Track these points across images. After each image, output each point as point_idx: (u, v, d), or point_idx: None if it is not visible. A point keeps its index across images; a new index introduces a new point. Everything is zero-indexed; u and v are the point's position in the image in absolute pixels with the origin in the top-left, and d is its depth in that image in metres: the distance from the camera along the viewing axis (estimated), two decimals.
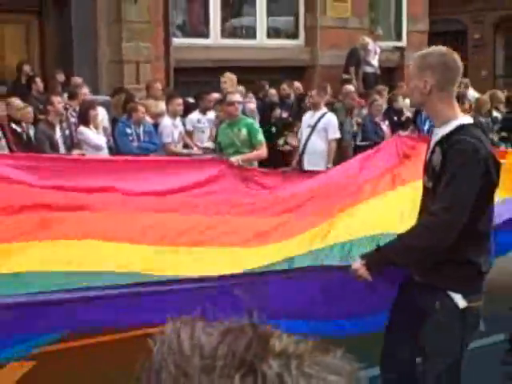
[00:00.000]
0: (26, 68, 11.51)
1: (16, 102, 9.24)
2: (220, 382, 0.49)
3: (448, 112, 3.26)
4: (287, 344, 0.53)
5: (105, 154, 9.07)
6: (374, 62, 14.30)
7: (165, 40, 12.72)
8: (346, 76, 13.37)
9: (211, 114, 10.20)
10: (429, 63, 3.25)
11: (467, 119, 3.34)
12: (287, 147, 10.65)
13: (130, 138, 9.50)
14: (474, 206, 3.10)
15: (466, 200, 3.10)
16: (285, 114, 11.45)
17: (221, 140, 7.54)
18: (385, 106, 11.18)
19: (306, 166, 9.11)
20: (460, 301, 3.19)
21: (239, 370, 0.49)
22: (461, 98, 11.70)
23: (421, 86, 3.25)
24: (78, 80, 10.76)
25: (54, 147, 9.00)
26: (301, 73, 14.12)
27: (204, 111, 10.27)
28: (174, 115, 9.90)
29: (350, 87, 11.65)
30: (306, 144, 9.23)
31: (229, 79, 10.96)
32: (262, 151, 7.51)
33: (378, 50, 14.47)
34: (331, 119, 9.38)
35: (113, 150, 9.45)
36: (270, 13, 14.58)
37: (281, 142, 10.69)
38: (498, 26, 25.63)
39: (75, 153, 8.91)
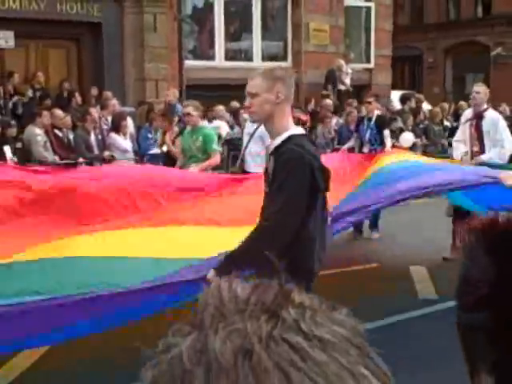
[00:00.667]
0: (67, 85, 11.48)
1: (58, 112, 9.24)
2: (249, 321, 0.51)
3: (286, 124, 2.95)
4: (304, 299, 0.55)
5: (130, 156, 9.03)
6: (347, 80, 14.27)
7: (179, 62, 12.69)
8: (325, 92, 13.33)
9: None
10: (278, 76, 2.91)
11: (297, 130, 3.04)
12: None
13: (151, 142, 9.45)
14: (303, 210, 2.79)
15: (296, 203, 2.79)
16: None
17: (183, 143, 7.18)
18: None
19: (249, 166, 8.40)
20: None
21: (265, 314, 0.52)
22: (418, 110, 11.70)
23: (272, 97, 2.88)
24: (108, 94, 10.71)
25: (89, 149, 9.00)
26: None
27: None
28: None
29: (328, 101, 11.64)
30: (245, 148, 8.46)
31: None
32: (215, 159, 6.96)
33: (350, 71, 14.43)
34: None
35: (137, 153, 9.40)
36: (263, 39, 14.53)
37: None
38: (447, 52, 25.62)
39: (106, 154, 8.89)
